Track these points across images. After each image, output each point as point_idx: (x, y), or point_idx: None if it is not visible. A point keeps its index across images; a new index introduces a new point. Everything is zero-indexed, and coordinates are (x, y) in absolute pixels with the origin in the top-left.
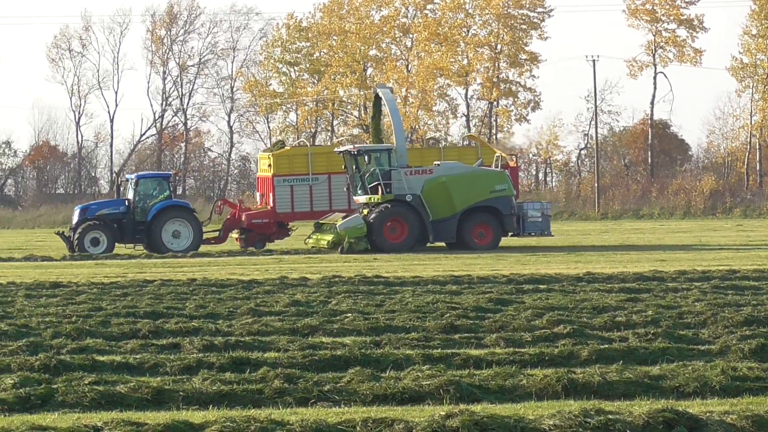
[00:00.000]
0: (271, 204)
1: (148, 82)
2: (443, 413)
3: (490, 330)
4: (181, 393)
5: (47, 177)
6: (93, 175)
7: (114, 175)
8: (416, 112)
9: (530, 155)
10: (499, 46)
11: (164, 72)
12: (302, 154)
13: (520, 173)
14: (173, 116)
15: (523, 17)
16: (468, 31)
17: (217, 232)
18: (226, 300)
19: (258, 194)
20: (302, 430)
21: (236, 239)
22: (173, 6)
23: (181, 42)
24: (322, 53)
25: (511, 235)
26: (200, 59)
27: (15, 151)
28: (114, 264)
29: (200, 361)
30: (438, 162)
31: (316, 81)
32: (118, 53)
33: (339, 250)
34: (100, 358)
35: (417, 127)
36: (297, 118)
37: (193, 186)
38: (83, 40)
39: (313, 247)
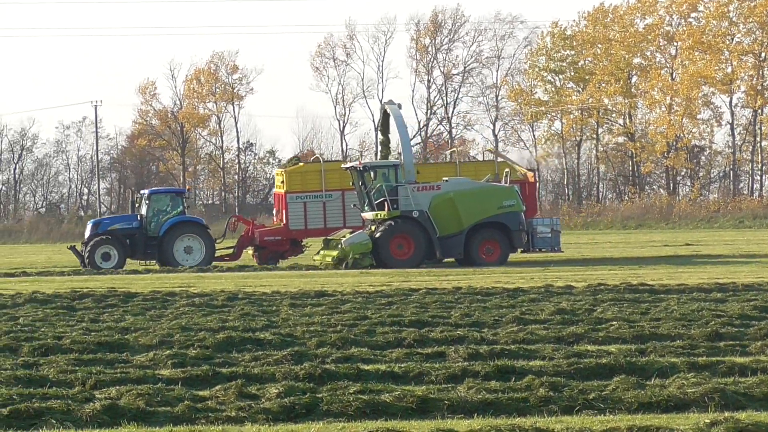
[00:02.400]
0: (285, 221)
1: (413, 91)
2: (708, 421)
3: (756, 338)
4: (445, 402)
5: None
6: None
7: (129, 191)
8: (681, 120)
9: None
10: (763, 54)
11: (429, 80)
12: (315, 170)
13: None
14: (438, 125)
15: None
16: (732, 39)
17: (232, 249)
18: (491, 308)
19: (274, 211)
20: None
21: (252, 256)
22: (438, 14)
23: (445, 50)
24: (586, 61)
25: (522, 252)
26: (465, 68)
27: (279, 160)
28: (379, 273)
29: (465, 369)
30: (446, 178)
31: (580, 89)
32: (382, 61)
33: (343, 266)
34: (365, 367)
35: (681, 135)
36: (562, 127)
37: None
38: (347, 49)
39: (320, 263)
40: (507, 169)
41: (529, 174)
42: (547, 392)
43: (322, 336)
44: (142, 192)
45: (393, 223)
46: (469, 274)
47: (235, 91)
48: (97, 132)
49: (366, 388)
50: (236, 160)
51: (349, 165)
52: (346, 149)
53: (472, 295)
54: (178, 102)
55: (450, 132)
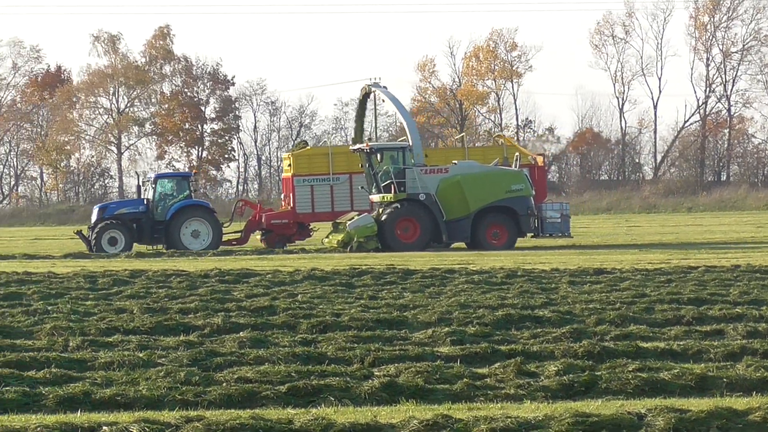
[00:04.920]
0: (292, 204)
1: (692, 69)
2: None
3: None
4: (724, 380)
5: (591, 163)
6: (637, 161)
7: (136, 175)
8: None
9: None
10: None
11: (707, 58)
12: (322, 154)
13: None
14: (717, 102)
15: None
16: None
17: (239, 233)
18: None
19: (282, 195)
20: None
21: (260, 239)
22: None
23: (724, 28)
24: None
25: (531, 236)
26: (744, 45)
27: (558, 138)
28: (657, 251)
29: (744, 347)
30: (455, 161)
31: None
32: (661, 39)
33: (348, 249)
34: (644, 344)
35: None
36: None
37: (737, 172)
38: (626, 27)
39: (329, 246)
40: (517, 154)
41: (539, 159)
42: None
43: (600, 313)
44: (148, 176)
45: (399, 206)
46: (748, 251)
47: (513, 68)
48: (375, 109)
49: (644, 365)
50: (515, 138)
51: (356, 147)
52: (625, 127)
53: (751, 273)
54: (456, 79)
55: (729, 110)
